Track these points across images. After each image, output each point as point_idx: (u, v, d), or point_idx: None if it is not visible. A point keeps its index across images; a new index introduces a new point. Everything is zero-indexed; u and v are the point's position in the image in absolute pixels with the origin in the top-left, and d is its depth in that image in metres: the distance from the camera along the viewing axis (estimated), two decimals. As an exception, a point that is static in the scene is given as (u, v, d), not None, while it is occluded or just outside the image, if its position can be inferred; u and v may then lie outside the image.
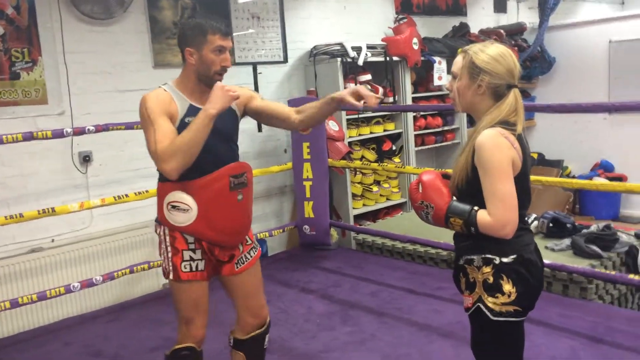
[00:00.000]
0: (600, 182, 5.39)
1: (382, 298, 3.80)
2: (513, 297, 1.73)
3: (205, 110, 2.01)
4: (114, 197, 3.78)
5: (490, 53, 1.78)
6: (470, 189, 1.76)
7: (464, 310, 1.85)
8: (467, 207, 1.75)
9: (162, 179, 2.16)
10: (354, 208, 5.07)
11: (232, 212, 2.18)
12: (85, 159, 3.93)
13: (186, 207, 2.11)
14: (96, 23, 3.92)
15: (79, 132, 3.57)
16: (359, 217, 5.20)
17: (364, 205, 5.23)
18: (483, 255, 1.77)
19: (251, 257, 2.32)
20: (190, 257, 2.16)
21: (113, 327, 3.64)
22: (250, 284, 2.32)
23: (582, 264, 3.55)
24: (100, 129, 3.64)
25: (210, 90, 2.08)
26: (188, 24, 2.15)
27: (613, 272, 3.53)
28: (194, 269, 2.17)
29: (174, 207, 2.13)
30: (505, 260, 1.74)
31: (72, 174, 3.90)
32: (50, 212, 3.52)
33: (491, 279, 1.75)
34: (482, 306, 1.76)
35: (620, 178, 6.40)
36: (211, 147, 2.09)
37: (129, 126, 3.76)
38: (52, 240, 3.83)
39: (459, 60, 1.84)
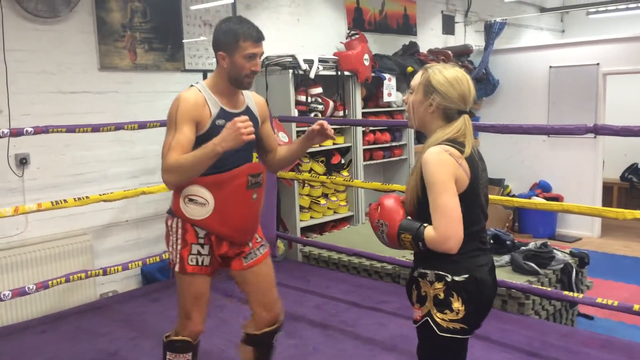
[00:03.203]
0: (539, 201, 5.61)
1: (326, 311, 3.79)
2: (461, 315, 1.77)
3: (214, 146, 2.00)
4: (52, 202, 3.61)
5: (446, 75, 1.81)
6: (423, 209, 1.78)
7: (412, 322, 1.87)
8: (416, 223, 1.78)
9: None
10: (301, 220, 5.06)
11: (245, 210, 2.26)
12: (22, 161, 3.76)
13: (203, 201, 2.18)
14: (40, 21, 3.78)
15: (17, 133, 3.41)
16: (306, 230, 5.20)
17: (311, 217, 5.23)
18: (436, 272, 1.79)
19: (260, 253, 2.39)
20: (198, 251, 2.24)
21: (46, 339, 3.47)
22: (261, 278, 2.39)
23: (520, 280, 3.66)
24: (40, 130, 3.48)
25: (238, 92, 2.26)
26: (222, 28, 2.20)
27: (549, 289, 3.66)
28: (199, 263, 2.25)
29: (191, 200, 2.19)
30: (457, 278, 1.77)
31: (7, 177, 3.71)
32: (-18, 216, 3.34)
33: (442, 295, 1.78)
34: (430, 320, 1.79)
35: (557, 198, 6.68)
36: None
37: (71, 129, 3.61)
38: (-18, 246, 3.64)
39: (418, 76, 1.88)
